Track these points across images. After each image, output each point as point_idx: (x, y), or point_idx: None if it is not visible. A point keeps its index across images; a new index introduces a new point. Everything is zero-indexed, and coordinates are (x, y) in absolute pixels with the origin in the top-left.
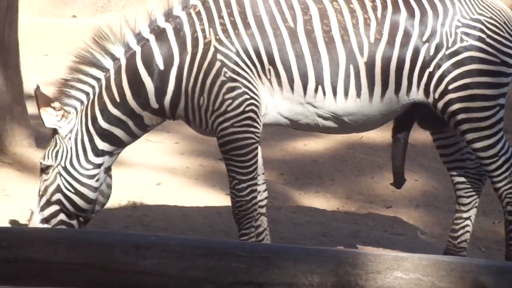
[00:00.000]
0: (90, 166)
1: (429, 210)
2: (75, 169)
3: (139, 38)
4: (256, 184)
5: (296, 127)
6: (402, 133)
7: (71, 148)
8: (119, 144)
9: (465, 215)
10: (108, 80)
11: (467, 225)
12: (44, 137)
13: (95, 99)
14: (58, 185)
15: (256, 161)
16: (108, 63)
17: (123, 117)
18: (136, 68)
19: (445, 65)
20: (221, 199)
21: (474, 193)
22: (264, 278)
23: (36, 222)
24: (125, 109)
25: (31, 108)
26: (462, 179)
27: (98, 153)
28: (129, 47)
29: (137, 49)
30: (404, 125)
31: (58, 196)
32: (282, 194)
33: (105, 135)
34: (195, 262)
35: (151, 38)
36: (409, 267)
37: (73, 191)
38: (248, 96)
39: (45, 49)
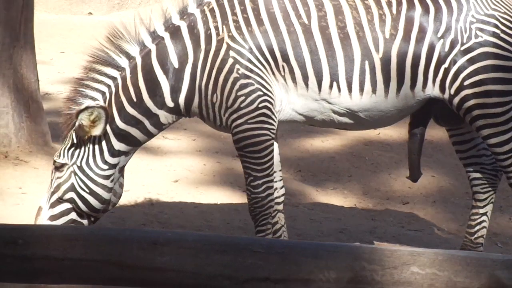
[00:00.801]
0: (106, 167)
1: (446, 206)
2: (91, 169)
3: (154, 36)
4: (271, 180)
5: (312, 123)
6: (419, 128)
7: (88, 148)
8: (135, 144)
9: (481, 210)
10: (124, 79)
11: (483, 221)
12: (60, 135)
13: (112, 99)
14: (72, 184)
15: (272, 158)
16: (123, 62)
17: (140, 117)
18: (152, 66)
19: (461, 61)
20: (238, 196)
21: (490, 188)
22: (280, 274)
23: (44, 219)
24: (141, 109)
25: (47, 105)
26: (478, 175)
27: (114, 153)
28: (144, 46)
29: (152, 48)
30: (420, 121)
31: (71, 194)
32: (299, 191)
33: (122, 135)
34: (211, 258)
35: (166, 36)
36: (425, 262)
37: (87, 191)
38: (262, 93)
39: (61, 47)
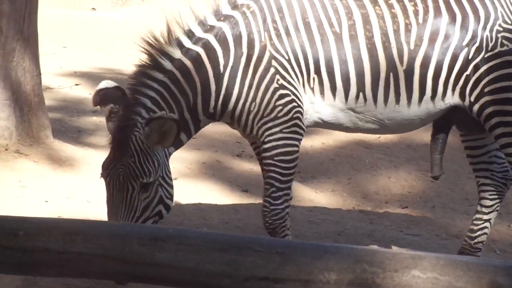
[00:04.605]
0: (170, 169)
1: (445, 212)
2: (167, 175)
3: (194, 38)
4: (289, 193)
5: (337, 129)
6: (441, 134)
7: (162, 155)
8: (177, 148)
9: (485, 217)
10: (177, 83)
11: (485, 227)
12: (61, 129)
13: (165, 103)
14: (160, 196)
15: (295, 170)
16: (167, 64)
17: (190, 122)
18: (206, 70)
19: (483, 68)
20: (237, 196)
21: (497, 196)
22: (280, 274)
23: None
24: (193, 113)
25: (48, 99)
26: (488, 181)
27: (169, 156)
28: (184, 47)
29: (200, 50)
30: (442, 126)
31: (159, 208)
32: (298, 192)
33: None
34: (212, 256)
35: (211, 38)
36: (427, 266)
37: (169, 197)
38: (296, 104)
39: (64, 41)
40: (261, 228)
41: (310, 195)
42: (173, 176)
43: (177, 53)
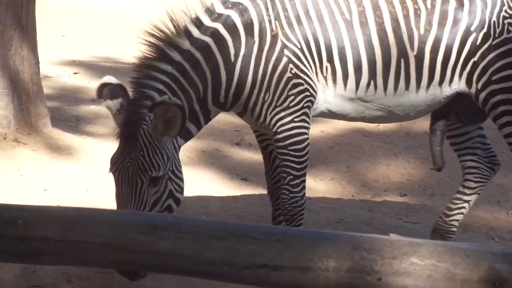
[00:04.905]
0: (180, 162)
1: (444, 199)
2: (177, 169)
3: (202, 27)
4: (305, 179)
5: (340, 119)
6: (440, 125)
7: (171, 149)
8: (186, 140)
9: (465, 197)
10: (186, 74)
11: (463, 207)
12: (59, 118)
13: (179, 95)
14: (170, 190)
15: (308, 157)
16: (176, 56)
17: (199, 112)
18: (217, 61)
19: (491, 56)
20: (236, 184)
21: (482, 179)
22: (280, 261)
23: None
24: (203, 104)
25: (47, 88)
26: (475, 164)
27: (178, 150)
28: (193, 38)
29: (208, 40)
30: (441, 117)
31: (169, 202)
32: None
33: (185, 131)
34: (211, 243)
35: (219, 27)
36: (425, 253)
37: (180, 190)
38: (309, 93)
39: (62, 30)
40: (261, 216)
41: (309, 183)
42: None
43: (186, 44)
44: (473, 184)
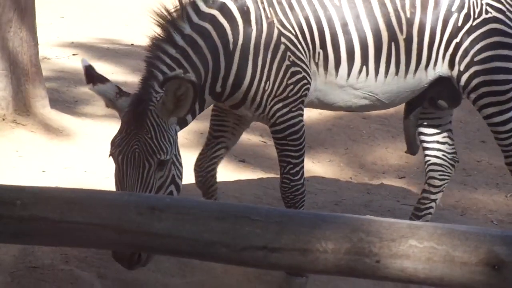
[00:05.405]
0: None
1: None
2: (179, 154)
3: (200, 13)
4: (303, 166)
5: (326, 109)
6: (414, 111)
7: (174, 133)
8: (182, 128)
9: (432, 196)
10: (190, 59)
11: (431, 207)
12: (58, 99)
13: None
14: (173, 175)
15: (305, 143)
16: (179, 40)
17: (196, 101)
18: (217, 48)
19: (472, 36)
20: (233, 166)
21: (446, 176)
22: (278, 243)
23: None
24: (200, 93)
25: (45, 69)
26: (439, 161)
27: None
28: (193, 23)
29: (208, 26)
30: (415, 103)
31: (171, 188)
32: None
33: (181, 119)
34: (209, 225)
35: (217, 14)
36: (424, 236)
37: (180, 176)
38: (306, 81)
39: (61, 11)
40: (259, 198)
41: (308, 165)
42: None
43: (187, 29)
44: (438, 182)
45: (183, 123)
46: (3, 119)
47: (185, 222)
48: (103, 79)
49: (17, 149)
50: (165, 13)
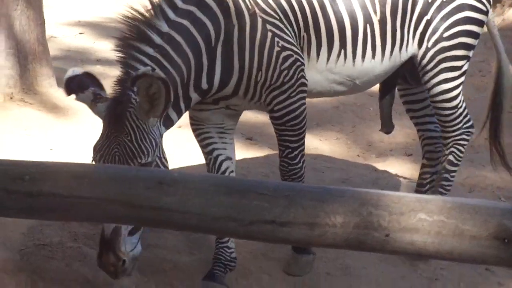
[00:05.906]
0: (164, 150)
1: None
2: (163, 156)
3: (177, 9)
4: (303, 148)
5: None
6: (389, 90)
7: (158, 135)
8: (167, 128)
9: (432, 170)
10: (170, 58)
11: (433, 180)
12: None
13: None
14: None
15: (306, 127)
16: (157, 39)
17: (181, 99)
18: (198, 45)
19: (442, 13)
20: (241, 143)
21: (441, 148)
22: (286, 217)
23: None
24: (185, 90)
25: (52, 48)
26: (433, 133)
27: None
28: (170, 20)
29: (186, 23)
30: (389, 83)
31: None
32: None
33: (166, 118)
34: (217, 199)
35: (194, 10)
36: (433, 209)
37: None
38: (300, 63)
39: None
40: (266, 175)
41: (314, 143)
42: (177, 125)
43: (164, 27)
44: (435, 155)
45: (169, 123)
46: (11, 98)
47: (192, 196)
48: (83, 86)
49: (25, 127)
50: (136, 14)
